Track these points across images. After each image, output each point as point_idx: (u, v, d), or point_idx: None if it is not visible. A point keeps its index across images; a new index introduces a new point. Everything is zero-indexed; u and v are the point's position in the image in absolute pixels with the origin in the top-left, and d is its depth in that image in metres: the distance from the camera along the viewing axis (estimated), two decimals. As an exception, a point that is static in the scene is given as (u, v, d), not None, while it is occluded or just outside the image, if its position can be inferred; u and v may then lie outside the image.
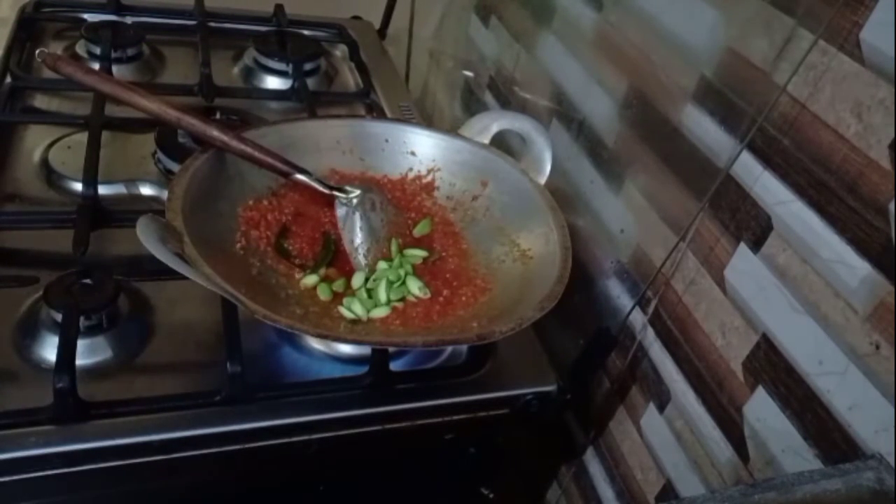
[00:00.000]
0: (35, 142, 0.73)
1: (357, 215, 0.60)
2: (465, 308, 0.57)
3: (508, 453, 0.66)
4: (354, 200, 0.60)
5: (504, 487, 0.67)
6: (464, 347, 0.63)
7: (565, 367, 0.64)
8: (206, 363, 0.56)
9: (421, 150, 0.68)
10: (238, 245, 0.57)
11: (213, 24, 0.94)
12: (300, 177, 0.59)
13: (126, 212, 0.64)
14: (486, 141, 0.67)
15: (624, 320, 0.62)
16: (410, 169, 0.68)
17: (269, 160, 0.59)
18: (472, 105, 0.99)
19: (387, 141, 0.68)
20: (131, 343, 0.56)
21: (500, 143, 0.68)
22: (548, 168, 0.65)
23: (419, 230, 0.64)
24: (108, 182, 0.68)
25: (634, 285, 0.62)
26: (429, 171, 0.68)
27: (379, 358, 0.57)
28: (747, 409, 0.50)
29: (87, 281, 0.56)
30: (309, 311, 0.54)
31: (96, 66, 0.81)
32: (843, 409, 0.43)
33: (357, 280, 0.58)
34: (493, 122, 0.67)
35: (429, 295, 0.58)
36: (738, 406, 0.50)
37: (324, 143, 0.67)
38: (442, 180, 0.68)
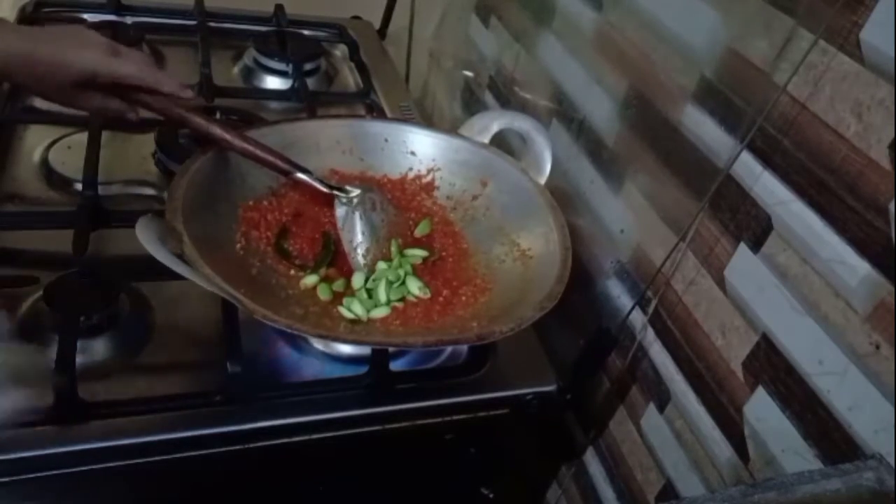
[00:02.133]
0: (35, 142, 0.73)
1: (357, 215, 0.60)
2: (465, 308, 0.57)
3: (508, 453, 0.66)
4: (354, 200, 0.60)
5: (504, 487, 0.67)
6: (464, 347, 0.63)
7: (565, 367, 0.64)
8: (206, 363, 0.56)
9: (421, 149, 0.68)
10: (238, 245, 0.57)
11: (213, 24, 0.94)
12: (301, 175, 0.59)
13: (126, 212, 0.64)
14: (486, 141, 0.67)
15: (624, 320, 0.62)
16: (410, 169, 0.68)
17: (271, 158, 0.59)
18: (472, 105, 0.99)
19: (386, 141, 0.68)
20: (131, 343, 0.56)
21: (500, 143, 0.68)
22: (548, 168, 0.65)
23: (419, 230, 0.64)
24: (108, 182, 0.68)
25: (634, 285, 0.62)
26: (429, 171, 0.68)
27: (379, 358, 0.57)
28: (747, 409, 0.50)
29: (87, 281, 0.56)
30: (309, 311, 0.54)
31: (96, 66, 0.81)
32: (843, 409, 0.43)
33: (357, 280, 0.58)
34: (493, 122, 0.67)
35: (429, 295, 0.58)
36: (738, 406, 0.50)
37: (324, 142, 0.67)
38: (442, 180, 0.67)
